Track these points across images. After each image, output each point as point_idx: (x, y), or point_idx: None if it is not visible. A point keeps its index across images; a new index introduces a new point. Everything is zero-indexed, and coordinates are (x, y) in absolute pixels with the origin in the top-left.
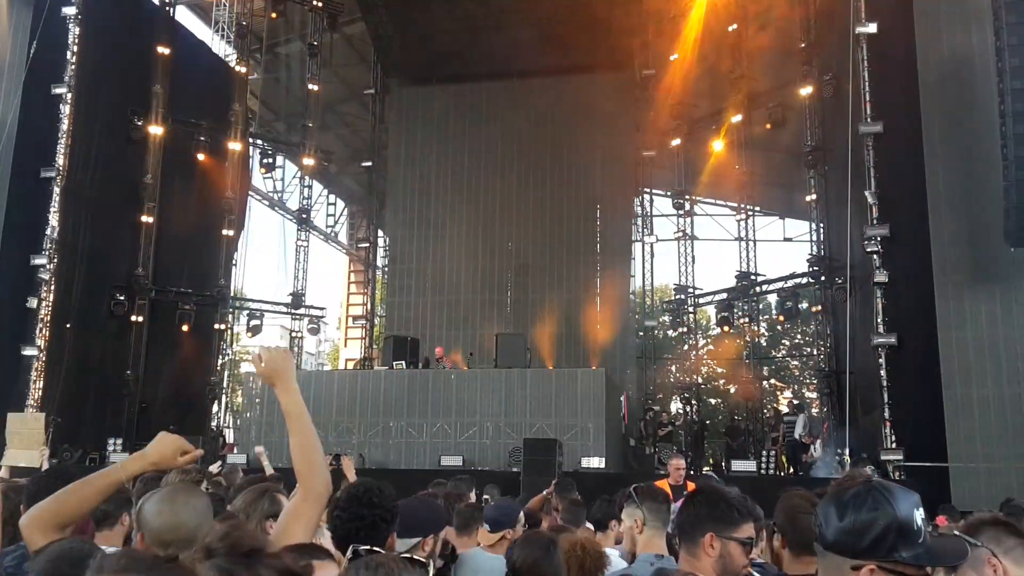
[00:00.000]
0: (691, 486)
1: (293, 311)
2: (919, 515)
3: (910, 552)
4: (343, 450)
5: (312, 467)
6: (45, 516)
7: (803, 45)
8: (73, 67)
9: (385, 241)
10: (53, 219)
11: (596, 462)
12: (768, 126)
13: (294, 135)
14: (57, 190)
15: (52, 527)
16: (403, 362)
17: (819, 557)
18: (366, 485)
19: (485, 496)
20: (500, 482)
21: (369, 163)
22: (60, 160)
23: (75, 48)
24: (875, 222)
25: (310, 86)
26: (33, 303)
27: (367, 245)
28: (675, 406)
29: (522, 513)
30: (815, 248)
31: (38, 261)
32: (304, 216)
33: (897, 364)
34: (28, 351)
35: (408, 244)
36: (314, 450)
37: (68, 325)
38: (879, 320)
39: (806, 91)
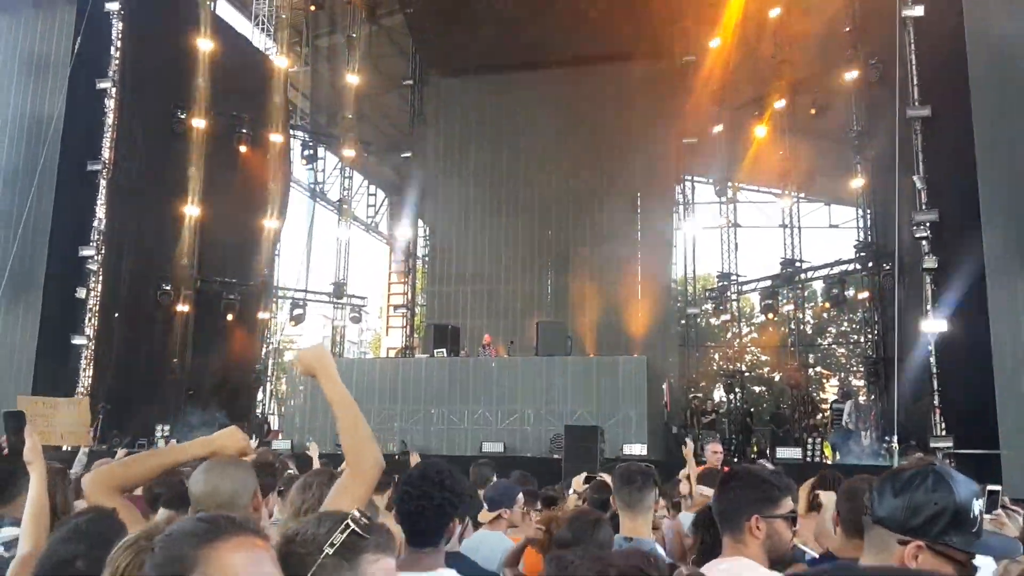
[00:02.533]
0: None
1: (335, 300)
2: (977, 505)
3: (961, 538)
4: (402, 445)
5: (360, 446)
6: (108, 479)
7: (847, 29)
8: (117, 62)
9: (425, 231)
10: (100, 211)
11: (638, 449)
12: (812, 111)
13: (334, 127)
14: (103, 183)
15: (113, 489)
16: (444, 350)
17: (866, 530)
18: (439, 466)
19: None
20: (541, 469)
21: (408, 154)
22: (106, 153)
23: (118, 43)
24: (924, 207)
25: (349, 78)
26: (82, 293)
27: (408, 236)
28: (718, 394)
29: (521, 494)
30: (862, 234)
31: (86, 252)
32: (344, 206)
33: (946, 351)
34: (78, 340)
35: (448, 234)
36: (361, 430)
37: (116, 315)
38: (928, 306)
39: (851, 76)
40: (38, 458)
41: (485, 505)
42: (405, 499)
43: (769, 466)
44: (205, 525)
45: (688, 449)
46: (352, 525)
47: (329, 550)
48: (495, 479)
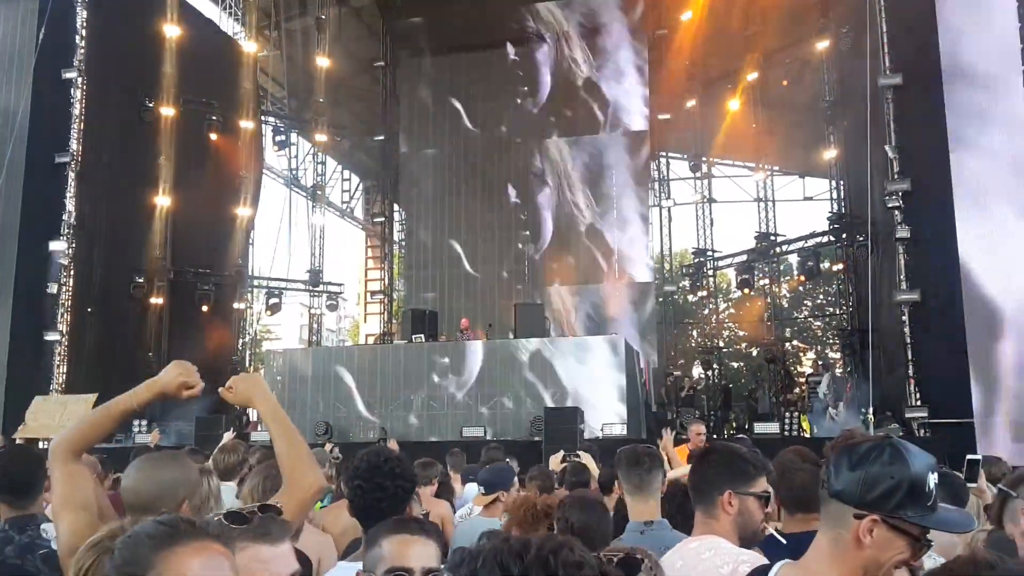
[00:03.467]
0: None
1: (311, 288)
2: (932, 478)
3: (916, 513)
4: (381, 432)
5: (301, 467)
6: (68, 443)
7: None
8: (82, 51)
9: (401, 215)
10: (70, 204)
11: (618, 428)
12: (784, 83)
13: (306, 111)
14: (72, 175)
15: (72, 453)
16: (422, 335)
17: (822, 505)
18: (385, 454)
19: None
20: (522, 452)
21: (382, 137)
22: (74, 145)
23: (83, 32)
24: (896, 176)
25: (319, 61)
26: (53, 288)
27: (383, 220)
28: (697, 370)
29: (516, 477)
30: (836, 206)
31: (56, 246)
32: (319, 192)
33: (920, 321)
34: (50, 336)
35: (424, 217)
36: (301, 449)
37: (89, 309)
38: (902, 277)
39: (823, 45)
40: None
41: (481, 489)
42: (359, 493)
43: (748, 441)
44: (164, 528)
45: (666, 439)
46: (219, 517)
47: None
48: (506, 461)
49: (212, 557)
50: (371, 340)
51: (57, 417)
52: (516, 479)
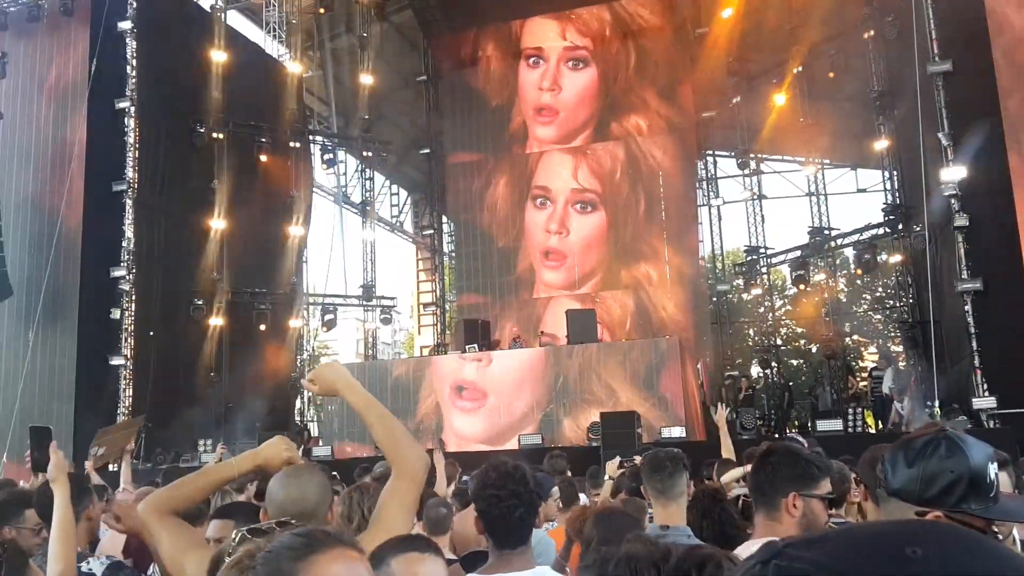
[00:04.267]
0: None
1: (365, 303)
2: (992, 468)
3: (980, 505)
4: (439, 442)
5: (399, 446)
6: (161, 503)
7: None
8: (134, 80)
9: (450, 227)
10: (128, 231)
11: (677, 432)
12: (831, 74)
13: (352, 128)
14: (129, 203)
15: (166, 512)
16: (475, 345)
17: (881, 503)
18: (515, 463)
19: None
20: (580, 458)
21: (427, 150)
22: (129, 173)
23: (133, 63)
24: (950, 164)
25: (363, 78)
26: (116, 314)
27: (432, 232)
28: (755, 370)
29: (556, 487)
30: (890, 197)
31: (117, 273)
32: (368, 208)
33: (984, 309)
34: (115, 360)
35: (472, 228)
36: (396, 430)
37: (151, 333)
38: (962, 265)
39: (868, 34)
40: (62, 475)
41: None
42: (494, 502)
43: (804, 442)
44: (302, 539)
45: (721, 414)
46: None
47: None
48: (568, 472)
49: (350, 563)
50: (426, 352)
51: (119, 442)
52: (556, 489)
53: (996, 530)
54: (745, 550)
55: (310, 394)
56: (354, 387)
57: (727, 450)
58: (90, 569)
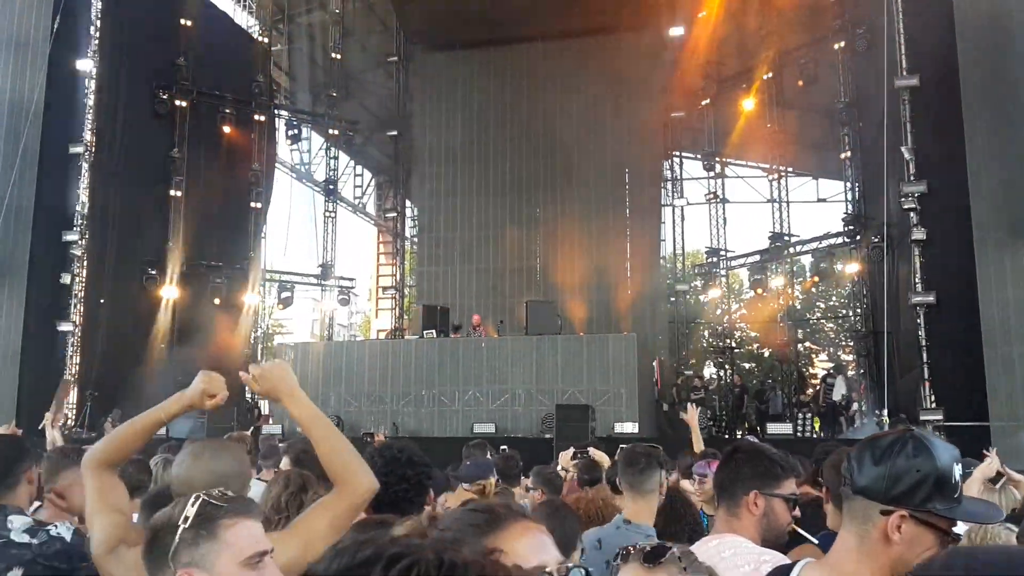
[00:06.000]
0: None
1: (323, 283)
2: (957, 469)
3: (944, 505)
4: (376, 424)
5: (351, 468)
6: (100, 456)
7: None
8: (96, 41)
9: (413, 211)
10: (83, 195)
11: (629, 427)
12: (800, 83)
13: (319, 106)
14: (85, 166)
15: (103, 465)
16: (434, 331)
17: (845, 501)
18: (399, 446)
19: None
20: (533, 449)
21: (394, 132)
22: (87, 136)
23: (98, 22)
24: (912, 178)
25: (333, 55)
26: (67, 279)
27: (395, 215)
28: (709, 371)
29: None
30: (850, 207)
31: (70, 237)
32: (331, 187)
33: (935, 323)
34: (64, 327)
35: (436, 213)
36: (347, 451)
37: (102, 300)
38: (917, 279)
39: (838, 45)
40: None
41: (463, 485)
42: (383, 488)
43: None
44: (484, 515)
45: (692, 413)
46: (204, 496)
47: (184, 524)
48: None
49: (536, 536)
50: (382, 335)
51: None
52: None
53: (957, 532)
54: (703, 545)
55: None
56: (298, 398)
57: (699, 447)
58: (59, 532)
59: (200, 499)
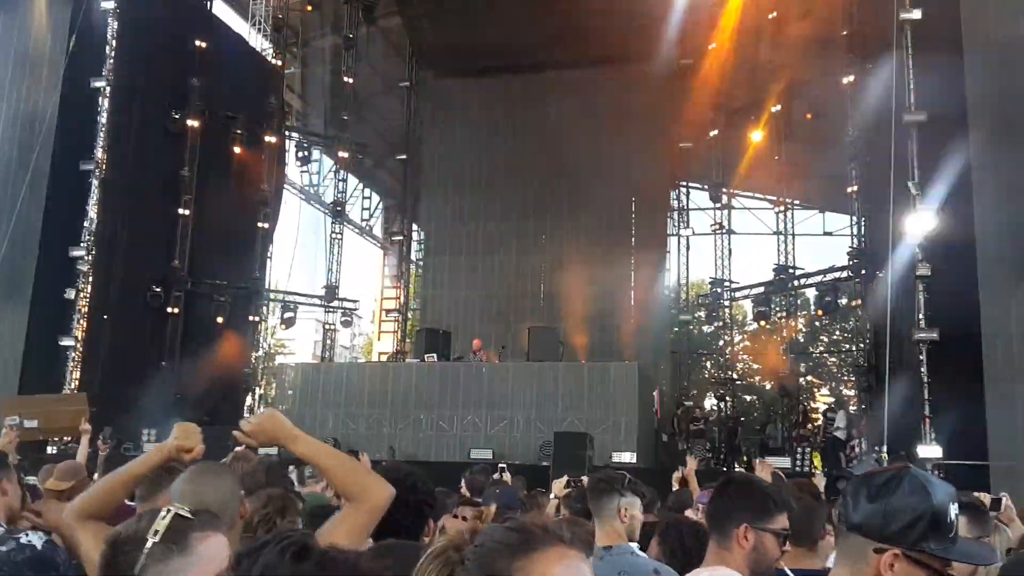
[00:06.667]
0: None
1: (327, 304)
2: (953, 509)
3: (939, 545)
4: (390, 451)
5: (366, 484)
6: (82, 508)
7: (845, 33)
8: (112, 61)
9: (419, 235)
10: (92, 211)
11: (627, 457)
12: (808, 116)
13: (330, 128)
14: (96, 183)
15: (86, 516)
16: (435, 355)
17: (840, 538)
18: (408, 470)
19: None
20: (529, 476)
21: (404, 156)
22: (99, 153)
23: (114, 42)
24: (918, 213)
25: (345, 79)
26: (71, 294)
27: (401, 238)
28: (709, 402)
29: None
30: (856, 241)
31: (76, 253)
32: (339, 209)
33: (938, 360)
34: (66, 341)
35: (442, 237)
36: (360, 470)
37: (105, 317)
38: (920, 315)
39: (848, 79)
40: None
41: (455, 509)
42: None
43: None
44: (518, 535)
45: (690, 468)
46: (174, 510)
47: (154, 538)
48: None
49: (572, 563)
50: (384, 358)
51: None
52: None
53: (952, 573)
54: None
55: (260, 391)
56: (298, 437)
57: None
58: (29, 540)
59: (172, 512)
